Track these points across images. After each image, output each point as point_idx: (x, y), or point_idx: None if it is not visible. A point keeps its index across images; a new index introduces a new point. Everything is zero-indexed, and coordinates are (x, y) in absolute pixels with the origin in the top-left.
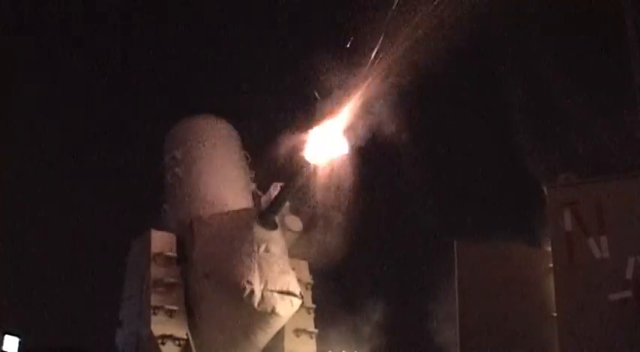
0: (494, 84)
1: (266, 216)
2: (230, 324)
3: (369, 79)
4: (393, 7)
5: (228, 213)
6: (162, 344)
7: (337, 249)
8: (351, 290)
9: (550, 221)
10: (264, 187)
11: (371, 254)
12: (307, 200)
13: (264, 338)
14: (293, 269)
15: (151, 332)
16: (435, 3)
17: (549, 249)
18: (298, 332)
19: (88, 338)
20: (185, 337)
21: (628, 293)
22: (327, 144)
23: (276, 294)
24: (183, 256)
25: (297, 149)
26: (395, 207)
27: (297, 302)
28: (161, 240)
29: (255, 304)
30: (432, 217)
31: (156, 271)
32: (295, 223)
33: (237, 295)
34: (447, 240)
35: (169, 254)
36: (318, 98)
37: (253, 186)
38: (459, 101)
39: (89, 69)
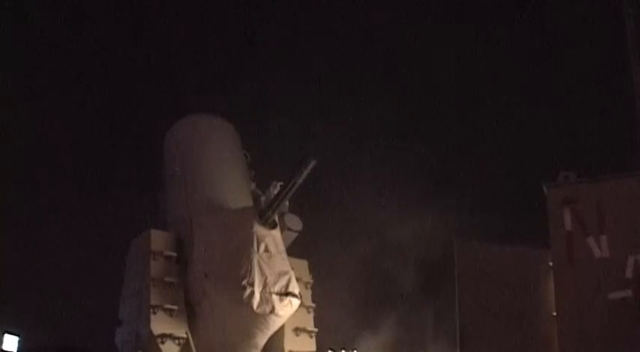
0: (495, 84)
1: (265, 214)
2: (229, 324)
3: None
4: None
5: (227, 212)
6: (162, 342)
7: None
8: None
9: (550, 220)
10: (263, 187)
11: (372, 254)
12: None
13: (263, 337)
14: (292, 268)
15: (150, 331)
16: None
17: (549, 248)
18: (298, 330)
19: (88, 338)
20: (185, 336)
21: (628, 293)
22: None
23: (275, 295)
24: (182, 255)
25: None
26: (395, 207)
27: (296, 302)
28: (161, 240)
29: (255, 306)
30: (432, 217)
31: (155, 270)
32: (295, 222)
33: (237, 296)
34: (448, 240)
35: (169, 253)
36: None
37: (253, 185)
38: (460, 101)
39: (90, 68)
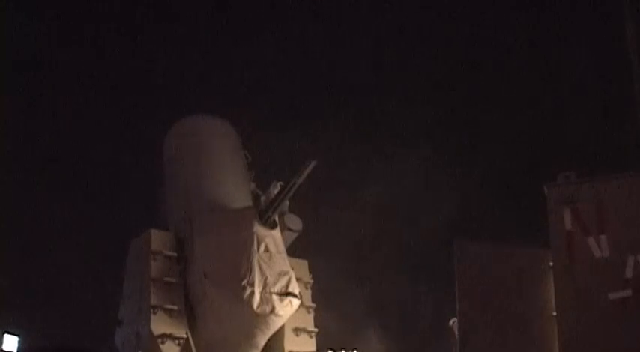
0: (494, 84)
1: (265, 214)
2: (229, 324)
3: None
4: None
5: (227, 212)
6: (162, 343)
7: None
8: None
9: (550, 220)
10: (263, 187)
11: (371, 254)
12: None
13: (263, 337)
14: (292, 268)
15: (150, 331)
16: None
17: (549, 248)
18: (298, 331)
19: (88, 338)
20: (185, 336)
21: (628, 292)
22: None
23: (275, 295)
24: (182, 255)
25: None
26: (395, 207)
27: (296, 302)
28: (161, 240)
29: (255, 305)
30: (432, 216)
31: (155, 270)
32: (295, 222)
33: (237, 296)
34: (447, 240)
35: (169, 253)
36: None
37: (253, 185)
38: (460, 101)
39: (89, 68)
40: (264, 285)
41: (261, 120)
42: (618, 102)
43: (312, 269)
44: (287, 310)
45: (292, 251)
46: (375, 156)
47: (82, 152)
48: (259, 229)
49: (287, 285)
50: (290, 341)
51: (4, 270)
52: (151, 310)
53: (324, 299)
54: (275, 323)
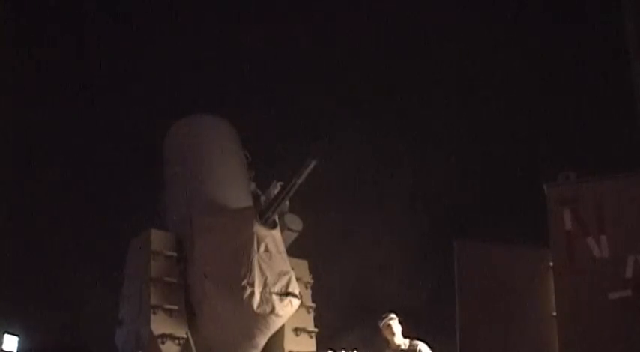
0: (494, 84)
1: (265, 214)
2: (229, 324)
3: None
4: None
5: (227, 212)
6: (162, 343)
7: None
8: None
9: (550, 220)
10: (263, 187)
11: (370, 254)
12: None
13: (263, 337)
14: (292, 268)
15: (150, 331)
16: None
17: (549, 248)
18: (298, 330)
19: (88, 338)
20: (185, 336)
21: (627, 292)
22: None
23: (275, 295)
24: (182, 255)
25: None
26: (394, 206)
27: (296, 302)
28: (161, 240)
29: (255, 306)
30: (431, 216)
31: (155, 270)
32: (295, 222)
33: (237, 296)
34: (446, 240)
35: (169, 253)
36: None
37: (253, 185)
38: (459, 100)
39: (88, 67)
40: (264, 285)
41: (261, 120)
42: (618, 102)
43: (312, 269)
44: (287, 310)
45: (292, 251)
46: (375, 155)
47: (81, 152)
48: (259, 229)
49: (287, 285)
50: (290, 341)
51: (4, 270)
52: (151, 310)
53: (325, 299)
54: (275, 323)
